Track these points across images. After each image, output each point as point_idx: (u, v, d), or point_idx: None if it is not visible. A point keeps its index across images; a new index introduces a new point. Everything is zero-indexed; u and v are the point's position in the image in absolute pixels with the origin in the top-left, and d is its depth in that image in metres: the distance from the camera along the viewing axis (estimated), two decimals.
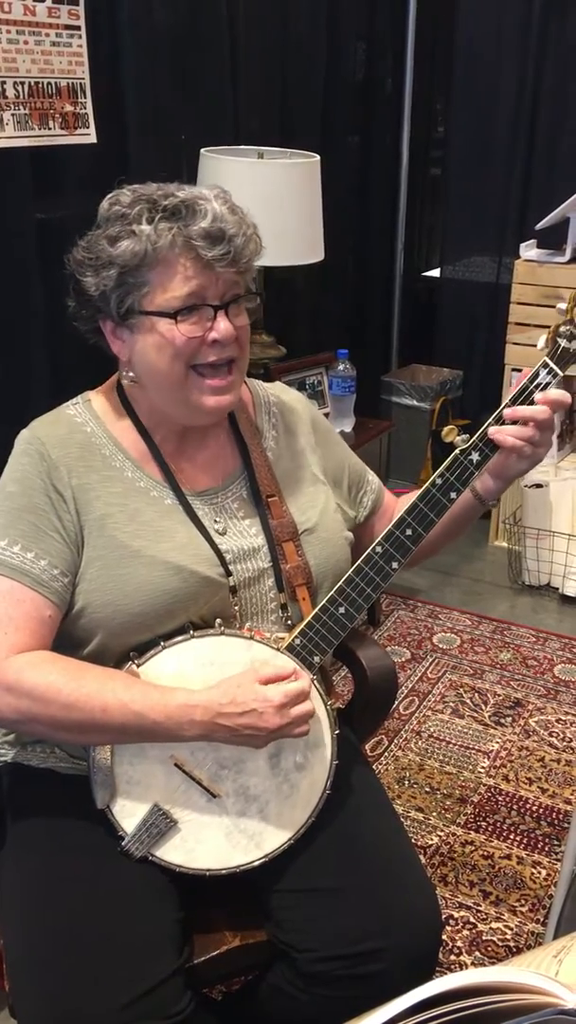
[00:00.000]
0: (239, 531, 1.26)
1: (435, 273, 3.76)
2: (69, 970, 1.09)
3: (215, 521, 1.25)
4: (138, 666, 1.17)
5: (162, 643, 1.17)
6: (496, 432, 1.20)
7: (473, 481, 1.22)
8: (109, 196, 1.19)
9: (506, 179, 3.34)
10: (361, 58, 3.28)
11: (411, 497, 1.40)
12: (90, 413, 1.25)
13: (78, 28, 2.00)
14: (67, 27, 1.98)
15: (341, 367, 2.70)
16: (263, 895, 1.24)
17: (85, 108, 2.06)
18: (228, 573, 1.22)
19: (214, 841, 1.20)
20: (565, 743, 2.40)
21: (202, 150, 2.30)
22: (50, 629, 1.16)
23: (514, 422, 1.20)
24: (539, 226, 3.03)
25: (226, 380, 1.19)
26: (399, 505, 1.48)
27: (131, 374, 1.22)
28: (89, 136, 2.09)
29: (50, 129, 1.99)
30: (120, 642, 1.18)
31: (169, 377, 1.17)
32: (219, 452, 1.29)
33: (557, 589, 3.15)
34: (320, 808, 1.24)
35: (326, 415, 2.67)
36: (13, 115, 1.89)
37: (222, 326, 1.16)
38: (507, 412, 1.20)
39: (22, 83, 1.90)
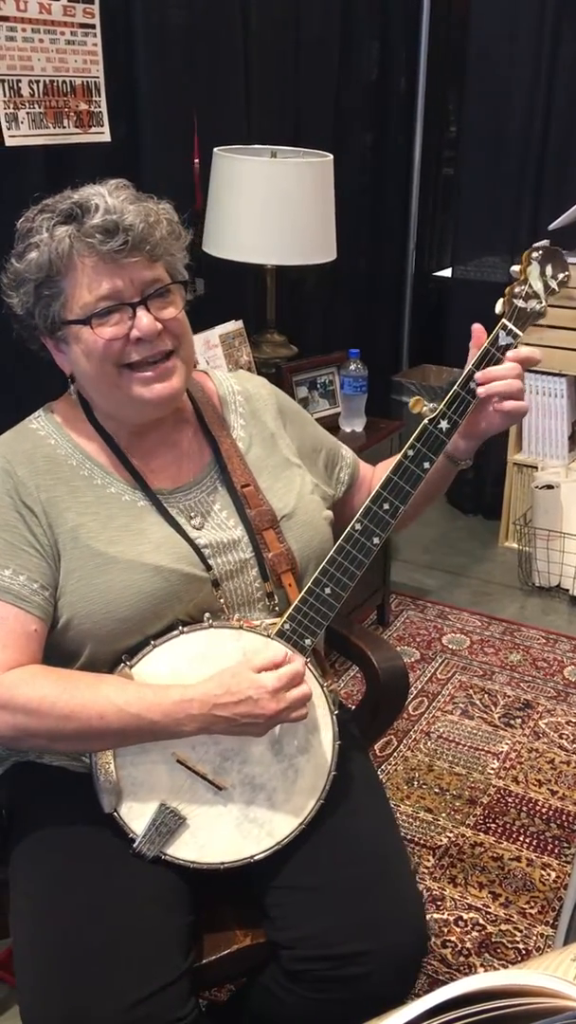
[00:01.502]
0: (216, 524, 1.26)
1: (446, 273, 3.75)
2: (76, 971, 1.09)
3: (190, 518, 1.25)
4: (130, 668, 1.17)
5: (152, 642, 1.18)
6: (483, 387, 1.19)
7: (444, 448, 1.21)
8: (24, 216, 1.20)
9: (519, 179, 3.32)
10: (374, 57, 3.27)
11: (388, 465, 1.40)
12: (53, 425, 1.25)
13: (93, 27, 2.00)
14: (82, 26, 1.98)
15: (353, 367, 2.69)
16: (261, 891, 1.24)
17: (99, 107, 2.06)
18: (208, 567, 1.22)
19: (225, 833, 1.20)
20: (575, 745, 2.39)
21: (215, 149, 2.30)
22: (38, 643, 1.16)
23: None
24: (552, 227, 3.02)
25: (159, 368, 1.17)
26: (376, 474, 1.48)
27: (73, 385, 1.23)
28: (103, 134, 2.09)
29: (64, 127, 1.99)
30: (111, 649, 1.18)
31: (102, 380, 1.17)
32: (188, 449, 1.29)
33: (567, 591, 3.14)
34: (328, 789, 1.24)
35: (337, 415, 2.66)
36: (28, 113, 1.90)
37: (144, 323, 1.14)
38: (479, 375, 1.20)
39: (37, 81, 1.91)
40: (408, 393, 3.54)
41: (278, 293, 2.53)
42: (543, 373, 3.15)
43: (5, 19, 1.81)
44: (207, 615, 1.20)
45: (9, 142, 1.87)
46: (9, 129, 1.86)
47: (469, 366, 1.21)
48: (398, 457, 1.21)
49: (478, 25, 3.29)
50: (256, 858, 1.21)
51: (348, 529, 1.20)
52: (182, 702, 1.12)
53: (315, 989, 1.18)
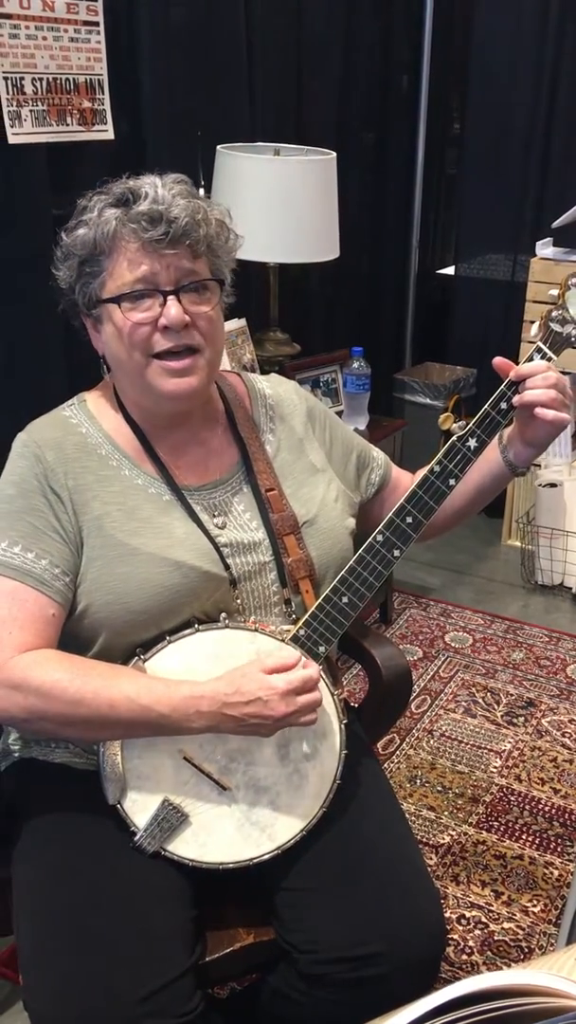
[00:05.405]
0: (239, 525, 1.26)
1: (450, 271, 3.75)
2: (81, 967, 1.09)
3: (213, 516, 1.25)
4: (144, 661, 1.17)
5: (168, 638, 1.18)
6: (519, 398, 1.20)
7: (470, 468, 1.22)
8: (86, 194, 1.24)
9: (522, 177, 3.32)
10: (377, 55, 3.26)
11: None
12: (85, 414, 1.27)
13: (96, 24, 2.00)
14: (86, 23, 1.98)
15: (356, 364, 2.69)
16: (270, 893, 1.24)
17: (103, 104, 2.05)
18: (227, 567, 1.22)
19: (226, 834, 1.20)
20: None
21: (218, 147, 2.29)
22: (55, 628, 1.17)
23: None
24: (555, 224, 3.01)
25: (183, 363, 1.18)
26: (415, 479, 1.48)
27: (107, 372, 1.25)
28: (106, 132, 2.09)
29: (68, 125, 1.99)
30: (125, 640, 1.19)
31: (130, 365, 1.19)
32: (217, 448, 1.30)
33: (570, 589, 3.14)
34: (331, 798, 1.23)
35: (340, 413, 2.66)
36: (31, 111, 1.89)
37: (172, 312, 1.16)
38: (514, 374, 1.20)
39: (40, 79, 1.90)
40: (411, 391, 3.54)
41: (281, 291, 2.53)
42: None
43: (8, 17, 1.81)
44: (223, 614, 1.21)
45: (12, 139, 1.87)
46: (12, 127, 1.86)
47: (501, 388, 1.21)
48: (424, 471, 1.21)
49: (482, 23, 3.28)
50: (255, 861, 1.21)
51: (369, 540, 1.20)
52: (192, 698, 1.12)
53: (334, 992, 1.17)
